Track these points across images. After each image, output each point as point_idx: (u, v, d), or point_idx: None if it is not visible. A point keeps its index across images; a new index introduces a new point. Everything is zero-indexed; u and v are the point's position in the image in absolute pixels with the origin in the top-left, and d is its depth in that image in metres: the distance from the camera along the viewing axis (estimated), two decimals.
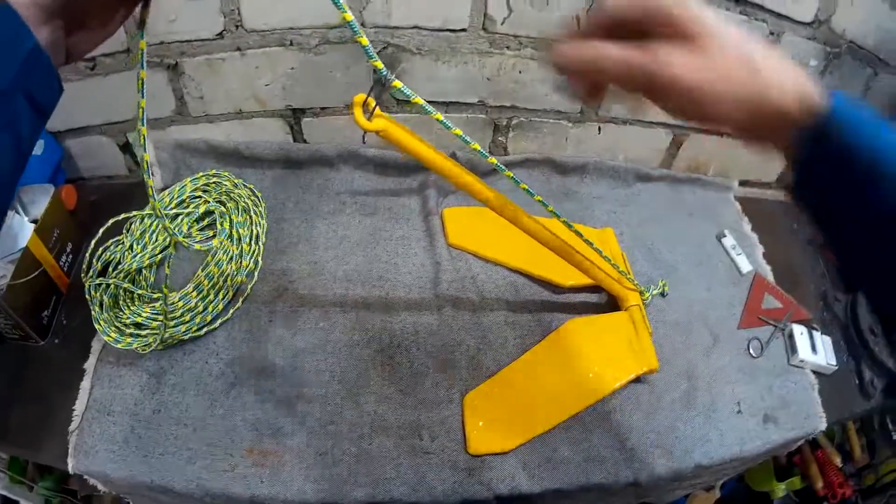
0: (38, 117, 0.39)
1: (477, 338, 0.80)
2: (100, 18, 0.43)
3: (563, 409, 0.75)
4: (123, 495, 0.75)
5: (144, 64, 0.43)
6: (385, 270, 0.86)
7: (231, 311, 0.80)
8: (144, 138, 0.45)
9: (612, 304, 0.86)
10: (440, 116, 0.53)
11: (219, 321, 0.78)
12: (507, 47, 0.85)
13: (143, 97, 0.43)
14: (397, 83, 0.47)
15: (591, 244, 0.72)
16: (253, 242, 0.85)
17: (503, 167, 0.57)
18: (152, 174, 0.92)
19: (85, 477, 0.71)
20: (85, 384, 0.75)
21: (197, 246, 0.82)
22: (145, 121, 0.44)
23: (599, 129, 0.97)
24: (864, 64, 0.92)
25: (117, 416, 0.73)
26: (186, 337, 0.76)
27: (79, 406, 0.74)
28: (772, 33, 0.87)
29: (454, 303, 0.82)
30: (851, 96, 0.35)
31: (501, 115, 0.94)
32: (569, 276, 0.86)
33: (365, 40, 0.44)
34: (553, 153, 0.98)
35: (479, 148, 0.55)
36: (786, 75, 0.36)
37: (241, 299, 0.81)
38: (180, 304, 0.76)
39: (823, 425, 0.82)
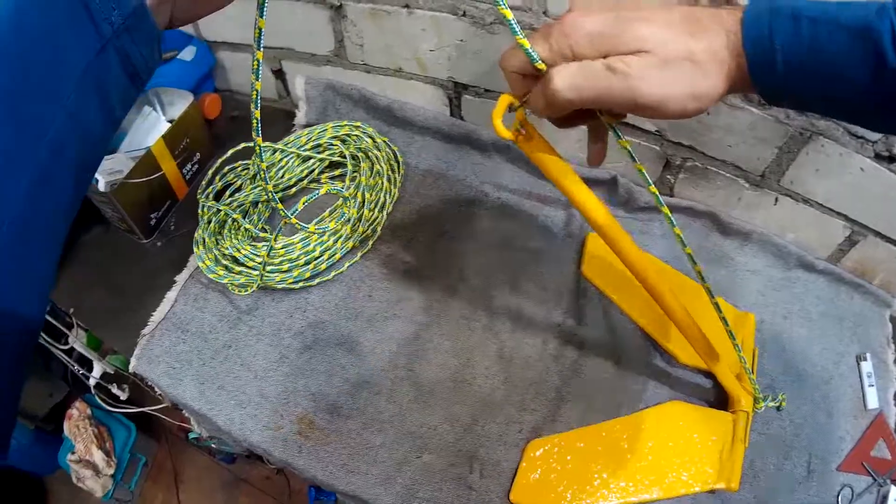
0: (130, 83, 0.36)
1: (573, 387, 0.75)
2: None
3: (626, 493, 0.69)
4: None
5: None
6: (505, 280, 0.81)
7: (333, 273, 0.79)
8: (259, 63, 0.40)
9: (722, 397, 0.78)
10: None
11: (317, 280, 0.78)
12: None
13: (262, 17, 0.38)
14: (542, 65, 0.40)
15: (725, 324, 0.64)
16: (377, 210, 0.83)
17: (662, 202, 0.50)
18: (298, 108, 0.92)
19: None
20: (170, 295, 0.78)
21: (297, 224, 0.80)
22: (262, 45, 0.39)
23: (776, 199, 0.87)
24: None
25: (189, 336, 0.75)
26: (280, 286, 0.75)
27: (158, 314, 0.76)
28: None
29: (563, 341, 0.78)
30: (759, 9, 0.37)
31: (676, 153, 0.87)
32: (692, 353, 0.78)
33: (525, 42, 0.38)
34: (720, 210, 0.89)
35: (643, 170, 0.49)
36: (716, 41, 0.38)
37: (346, 265, 0.80)
38: (282, 251, 0.75)
39: None
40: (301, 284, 0.76)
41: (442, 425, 0.70)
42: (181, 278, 0.78)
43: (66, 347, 0.94)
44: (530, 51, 0.39)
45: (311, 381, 0.71)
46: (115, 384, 1.04)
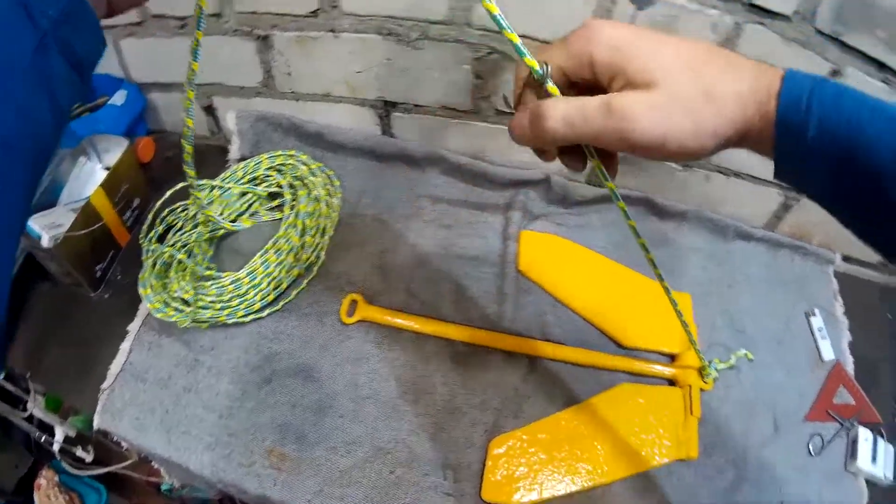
0: (75, 74, 0.36)
1: (529, 383, 0.78)
2: None
3: (592, 476, 0.72)
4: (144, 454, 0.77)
5: (202, 25, 0.41)
6: (449, 291, 0.84)
7: (282, 303, 0.80)
8: (192, 103, 0.42)
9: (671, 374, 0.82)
10: None
11: (267, 311, 0.79)
12: None
13: (195, 60, 0.41)
14: (553, 89, 0.39)
15: (674, 304, 0.67)
16: (318, 235, 0.84)
17: (618, 196, 0.50)
18: (231, 143, 0.92)
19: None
20: (124, 346, 0.78)
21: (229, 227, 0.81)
22: (194, 85, 0.41)
23: (707, 177, 0.90)
24: None
25: (149, 385, 0.75)
26: (231, 321, 0.76)
27: (114, 366, 0.77)
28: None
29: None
30: (802, 76, 0.35)
31: None
32: (631, 335, 0.82)
33: (515, 37, 0.37)
34: (654, 194, 0.93)
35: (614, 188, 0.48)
36: (742, 84, 0.36)
37: (294, 293, 0.81)
38: (230, 287, 0.76)
39: None
40: (251, 317, 0.77)
41: (409, 438, 0.72)
42: (133, 328, 0.78)
43: (26, 415, 0.93)
44: (539, 70, 0.38)
45: (275, 413, 0.72)
46: (79, 446, 1.03)
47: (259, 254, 0.79)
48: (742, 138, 0.37)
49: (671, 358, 0.83)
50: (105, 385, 0.74)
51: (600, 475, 0.72)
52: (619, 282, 0.88)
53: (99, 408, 0.73)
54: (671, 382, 0.81)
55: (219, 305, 0.75)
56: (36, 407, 0.91)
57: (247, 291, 0.76)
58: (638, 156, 0.37)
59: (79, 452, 1.03)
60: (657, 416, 0.77)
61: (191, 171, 0.49)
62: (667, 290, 0.64)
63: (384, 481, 0.69)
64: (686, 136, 0.35)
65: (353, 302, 0.80)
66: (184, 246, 0.80)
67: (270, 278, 0.78)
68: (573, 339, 0.82)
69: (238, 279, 0.77)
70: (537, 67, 0.38)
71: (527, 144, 0.41)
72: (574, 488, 0.71)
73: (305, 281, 0.82)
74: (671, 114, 0.35)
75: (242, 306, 0.76)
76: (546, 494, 0.70)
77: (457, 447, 0.72)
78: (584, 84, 0.39)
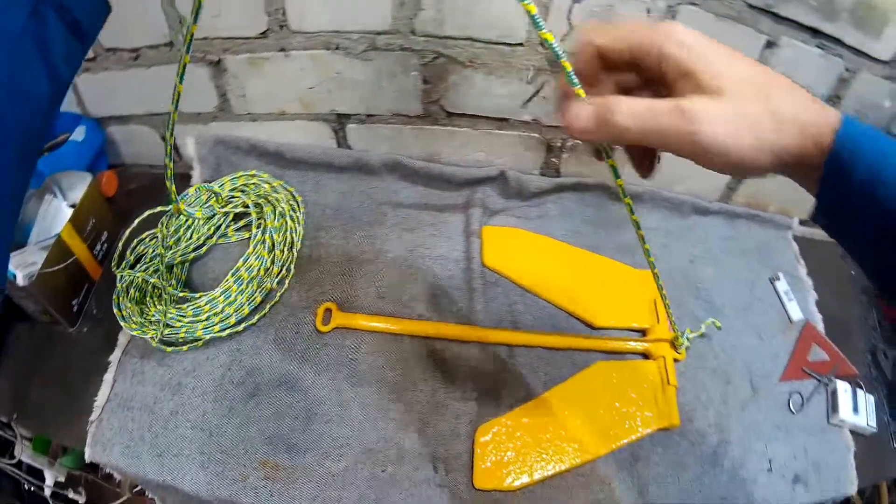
0: (73, 37, 0.35)
1: (507, 371, 0.80)
2: None
3: (578, 453, 0.74)
4: (138, 484, 0.78)
5: (190, 49, 0.42)
6: (419, 291, 0.86)
7: (257, 317, 0.81)
8: (174, 123, 0.43)
9: (644, 349, 0.85)
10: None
11: (243, 325, 0.80)
12: None
13: (181, 82, 0.42)
14: (567, 65, 0.40)
15: (658, 279, 0.71)
16: (287, 249, 0.86)
17: (625, 193, 0.52)
18: (193, 168, 0.94)
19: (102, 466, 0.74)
20: (108, 377, 0.78)
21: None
22: (177, 105, 0.43)
23: (658, 157, 0.94)
24: None
25: (136, 412, 0.76)
26: (208, 336, 0.78)
27: (100, 397, 0.77)
28: (847, 70, 0.82)
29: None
30: (860, 123, 0.37)
31: (556, 136, 0.93)
32: (601, 315, 0.84)
33: (550, 36, 0.39)
34: (608, 179, 0.96)
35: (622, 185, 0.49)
36: (804, 112, 0.37)
37: (268, 306, 0.83)
38: (206, 307, 0.77)
39: (854, 490, 0.79)
40: (228, 331, 0.79)
41: (396, 435, 0.74)
42: (114, 358, 0.79)
43: (13, 461, 0.93)
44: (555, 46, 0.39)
45: (263, 425, 0.74)
46: (70, 489, 1.02)
47: (231, 272, 0.81)
48: (795, 164, 0.38)
49: (642, 333, 0.86)
50: (93, 417, 0.75)
51: (587, 452, 0.74)
52: (582, 266, 0.91)
53: (89, 440, 0.73)
54: (645, 356, 0.84)
55: (196, 323, 0.77)
56: (24, 452, 0.91)
57: (223, 309, 0.78)
58: (698, 161, 0.38)
59: (71, 495, 1.02)
60: (635, 390, 0.79)
61: (171, 186, 0.50)
62: (656, 277, 0.69)
63: (377, 480, 0.70)
64: (747, 151, 0.36)
65: (328, 310, 0.82)
66: (156, 271, 0.82)
67: (244, 294, 0.80)
68: (545, 325, 0.84)
69: (213, 298, 0.79)
70: (553, 41, 0.39)
71: (589, 139, 0.41)
72: (563, 467, 0.73)
73: (279, 294, 0.84)
74: (738, 127, 0.36)
75: (217, 320, 0.78)
76: (536, 476, 0.72)
77: (444, 440, 0.74)
78: (615, 69, 0.41)
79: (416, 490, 0.70)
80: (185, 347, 0.78)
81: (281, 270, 0.85)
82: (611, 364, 0.82)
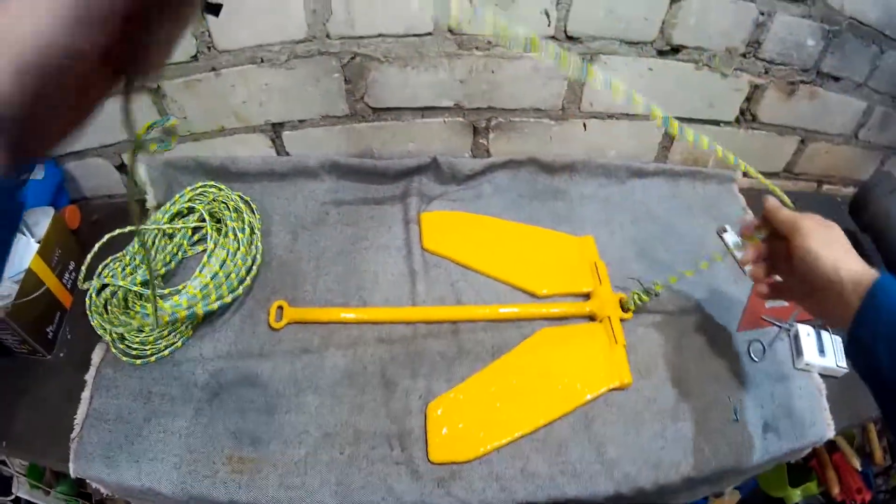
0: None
1: (454, 346, 0.84)
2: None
3: (531, 420, 0.77)
4: (122, 497, 0.83)
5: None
6: (364, 280, 0.91)
7: (217, 321, 0.86)
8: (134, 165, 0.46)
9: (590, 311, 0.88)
10: None
11: (203, 329, 0.86)
12: (476, 48, 0.88)
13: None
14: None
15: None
16: (240, 258, 0.90)
17: (736, 160, 0.72)
18: (147, 193, 0.99)
19: (86, 480, 0.79)
20: (85, 394, 0.83)
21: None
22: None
23: (584, 125, 0.97)
24: (868, 42, 0.89)
25: (112, 423, 0.80)
26: (167, 352, 0.83)
27: (80, 415, 0.81)
28: (762, 13, 0.84)
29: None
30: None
31: (479, 117, 0.97)
32: (543, 284, 0.88)
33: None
34: (538, 153, 0.99)
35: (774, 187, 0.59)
36: (853, 272, 0.58)
37: (228, 312, 0.88)
38: (166, 318, 0.82)
39: (831, 433, 0.81)
40: (182, 342, 0.84)
41: (351, 418, 0.78)
42: (89, 376, 0.84)
43: (10, 498, 0.97)
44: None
45: (228, 421, 0.78)
46: None
47: (192, 279, 0.86)
48: (839, 299, 0.57)
49: (586, 297, 0.89)
50: (74, 434, 0.80)
51: (540, 417, 0.77)
52: (521, 239, 0.95)
53: (72, 456, 0.77)
54: (591, 319, 0.87)
55: (163, 344, 0.83)
56: (21, 488, 0.96)
57: (188, 316, 0.83)
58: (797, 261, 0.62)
59: None
60: (583, 352, 0.82)
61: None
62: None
63: (337, 462, 0.75)
64: (833, 263, 0.59)
65: (280, 308, 0.87)
66: (121, 288, 0.87)
67: (207, 300, 0.84)
68: (488, 300, 0.88)
69: (175, 310, 0.83)
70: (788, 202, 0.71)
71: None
72: (517, 434, 0.76)
73: (231, 296, 0.87)
74: (829, 249, 0.60)
75: (178, 331, 0.84)
76: (491, 445, 0.75)
77: (397, 418, 0.78)
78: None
79: (374, 468, 0.74)
80: (152, 358, 0.83)
81: (236, 278, 0.89)
82: (555, 329, 0.85)
